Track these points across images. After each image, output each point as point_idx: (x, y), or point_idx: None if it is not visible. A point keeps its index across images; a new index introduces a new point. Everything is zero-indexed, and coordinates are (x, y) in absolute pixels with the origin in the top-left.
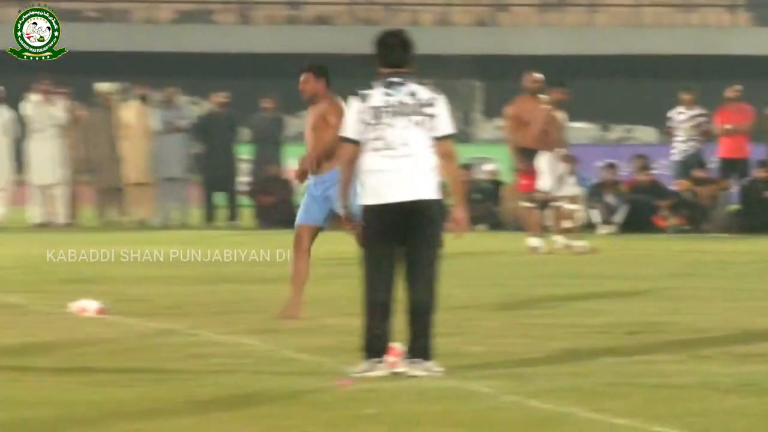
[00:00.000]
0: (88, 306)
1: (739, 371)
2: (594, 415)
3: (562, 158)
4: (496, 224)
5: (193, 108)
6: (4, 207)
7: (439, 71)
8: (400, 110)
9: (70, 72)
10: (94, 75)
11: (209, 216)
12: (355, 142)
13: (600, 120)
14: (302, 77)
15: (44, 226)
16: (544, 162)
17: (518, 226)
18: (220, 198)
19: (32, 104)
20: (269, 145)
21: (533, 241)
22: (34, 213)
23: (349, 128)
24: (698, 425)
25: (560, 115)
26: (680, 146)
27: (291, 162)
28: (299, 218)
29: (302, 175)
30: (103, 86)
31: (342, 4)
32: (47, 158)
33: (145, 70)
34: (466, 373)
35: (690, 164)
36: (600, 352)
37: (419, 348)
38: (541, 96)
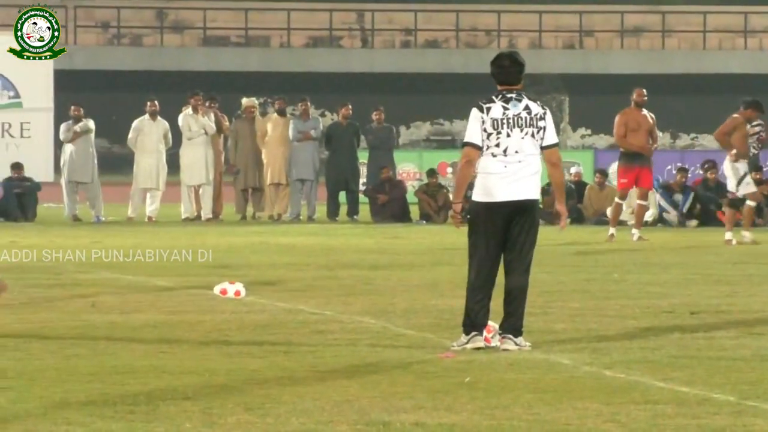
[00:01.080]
0: (228, 288)
1: None
2: (661, 384)
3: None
4: (579, 219)
5: (321, 120)
6: (159, 204)
7: (533, 88)
8: (517, 122)
9: (220, 89)
10: (239, 92)
11: (333, 212)
12: (477, 147)
13: (670, 129)
14: None
15: (192, 221)
16: (728, 166)
17: (599, 220)
18: (342, 197)
19: (186, 116)
20: (383, 151)
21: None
22: (184, 209)
23: (472, 134)
24: (751, 392)
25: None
26: None
27: (402, 166)
28: None
29: None
30: (247, 101)
31: (449, 31)
32: (197, 162)
33: (282, 88)
34: (550, 347)
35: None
36: (666, 329)
37: (511, 325)
38: (645, 110)
